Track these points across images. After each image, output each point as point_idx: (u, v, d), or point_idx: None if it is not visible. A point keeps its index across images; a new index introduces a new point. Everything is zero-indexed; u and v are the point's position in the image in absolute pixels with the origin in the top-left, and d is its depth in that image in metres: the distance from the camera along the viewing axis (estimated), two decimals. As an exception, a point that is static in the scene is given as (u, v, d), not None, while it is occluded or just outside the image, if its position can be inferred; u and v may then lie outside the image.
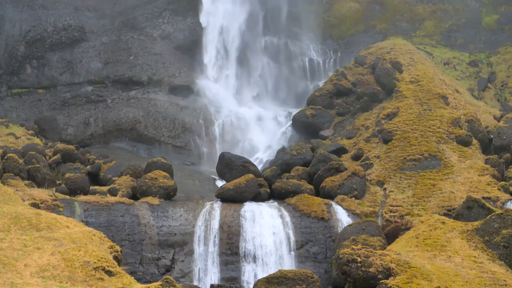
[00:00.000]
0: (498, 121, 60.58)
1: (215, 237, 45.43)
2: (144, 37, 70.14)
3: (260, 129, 68.09)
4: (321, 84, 68.80)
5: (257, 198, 49.12)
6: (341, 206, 47.98)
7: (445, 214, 45.81)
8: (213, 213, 46.36)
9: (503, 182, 49.48)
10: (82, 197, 45.90)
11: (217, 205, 47.21)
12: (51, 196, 44.72)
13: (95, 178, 51.57)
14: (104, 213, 45.01)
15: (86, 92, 66.92)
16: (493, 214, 41.44)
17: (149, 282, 42.32)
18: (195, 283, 44.15)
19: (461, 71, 71.17)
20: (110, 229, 44.11)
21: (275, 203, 48.50)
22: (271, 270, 43.04)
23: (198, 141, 65.92)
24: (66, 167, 51.52)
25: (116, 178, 50.00)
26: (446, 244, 40.31)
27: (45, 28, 68.18)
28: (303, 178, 51.78)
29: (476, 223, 41.68)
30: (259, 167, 57.27)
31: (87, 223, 42.53)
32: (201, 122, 66.75)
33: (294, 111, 66.54)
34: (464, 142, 54.08)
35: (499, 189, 48.25)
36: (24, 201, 41.92)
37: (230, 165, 52.99)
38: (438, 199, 47.93)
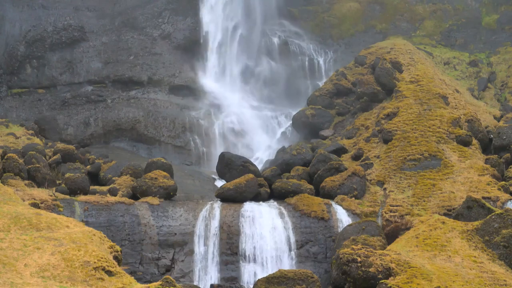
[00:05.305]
0: (498, 121, 60.53)
1: (215, 237, 45.41)
2: (144, 37, 70.15)
3: (260, 129, 68.08)
4: (321, 84, 68.78)
5: (257, 198, 49.10)
6: (341, 206, 47.97)
7: (445, 214, 45.79)
8: (213, 213, 46.33)
9: (503, 182, 49.44)
10: (82, 197, 45.87)
11: (217, 205, 47.18)
12: (51, 196, 44.69)
13: (95, 178, 51.58)
14: (104, 213, 44.99)
15: (86, 92, 66.92)
16: (493, 214, 41.42)
17: (149, 282, 42.29)
18: (195, 283, 44.12)
19: (461, 71, 71.15)
20: (110, 229, 44.10)
21: (275, 203, 48.47)
22: (271, 270, 43.00)
23: (198, 141, 65.91)
24: (66, 167, 51.53)
25: (116, 178, 50.00)
26: (446, 244, 40.30)
27: (45, 28, 68.17)
28: (303, 178, 51.75)
29: (476, 223, 41.66)
30: (259, 167, 57.23)
31: (87, 223, 42.51)
32: (201, 122, 66.76)
33: (294, 111, 66.51)
34: (464, 142, 54.04)
35: (499, 189, 48.23)
36: (24, 201, 41.90)
37: (230, 165, 52.94)
38: (438, 199, 47.91)
